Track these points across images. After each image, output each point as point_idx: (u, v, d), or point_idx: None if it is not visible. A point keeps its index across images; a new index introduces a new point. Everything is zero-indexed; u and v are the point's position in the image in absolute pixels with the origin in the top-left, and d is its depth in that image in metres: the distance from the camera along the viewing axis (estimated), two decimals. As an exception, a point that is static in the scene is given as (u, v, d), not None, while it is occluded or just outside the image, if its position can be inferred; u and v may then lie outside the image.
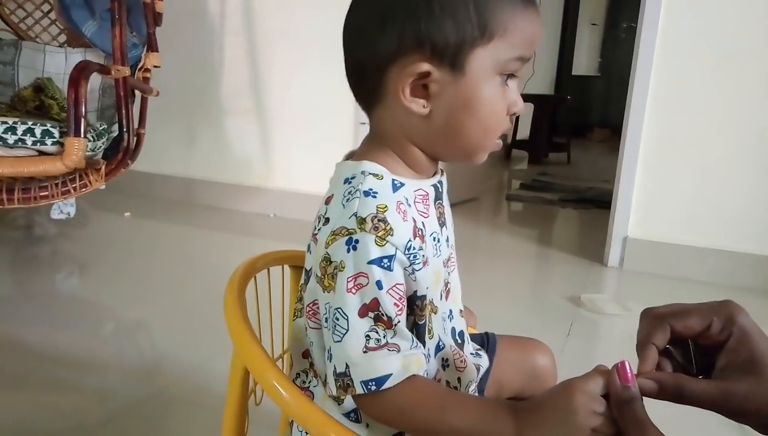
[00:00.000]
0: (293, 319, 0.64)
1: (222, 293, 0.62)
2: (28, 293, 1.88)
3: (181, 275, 2.02)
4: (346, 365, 0.51)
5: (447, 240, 0.62)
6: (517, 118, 4.85)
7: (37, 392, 1.28)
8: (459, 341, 0.65)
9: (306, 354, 0.62)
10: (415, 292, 0.55)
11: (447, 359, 0.62)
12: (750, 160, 2.04)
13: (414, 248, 0.53)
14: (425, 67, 0.52)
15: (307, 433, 0.61)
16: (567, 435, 0.46)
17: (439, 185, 0.62)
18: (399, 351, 0.51)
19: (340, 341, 0.51)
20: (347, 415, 0.57)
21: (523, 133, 4.97)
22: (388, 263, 0.51)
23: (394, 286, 0.52)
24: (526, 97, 4.86)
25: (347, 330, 0.51)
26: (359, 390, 0.51)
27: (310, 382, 0.61)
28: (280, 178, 2.77)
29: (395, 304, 0.52)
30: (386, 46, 0.53)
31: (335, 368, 0.52)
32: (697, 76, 2.06)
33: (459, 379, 0.63)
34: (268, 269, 0.71)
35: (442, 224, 0.61)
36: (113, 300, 1.82)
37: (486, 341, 0.75)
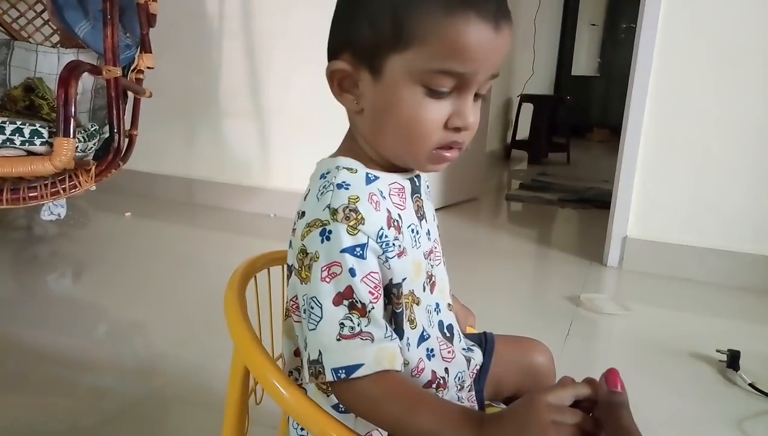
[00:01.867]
0: (284, 319, 0.65)
1: (222, 292, 0.63)
2: (29, 293, 1.88)
3: (182, 274, 2.03)
4: (319, 352, 0.52)
5: (428, 233, 0.63)
6: (517, 118, 4.86)
7: (36, 393, 1.29)
8: (448, 335, 0.66)
9: (297, 352, 0.63)
10: (391, 280, 0.56)
11: (432, 349, 0.62)
12: (749, 160, 2.04)
13: (387, 237, 0.54)
14: (340, 65, 0.56)
15: (303, 430, 0.62)
16: None
17: (416, 180, 0.63)
18: (373, 341, 0.52)
19: (315, 329, 0.52)
20: (335, 407, 0.58)
21: (523, 133, 4.97)
22: (361, 252, 0.52)
23: (369, 274, 0.53)
24: (526, 98, 4.89)
25: (321, 318, 0.52)
26: (329, 377, 0.51)
27: (302, 379, 0.62)
28: (279, 178, 2.78)
29: (370, 292, 0.53)
30: (329, 47, 0.58)
31: (309, 355, 0.53)
32: (696, 76, 2.06)
33: (447, 369, 0.63)
34: (268, 269, 0.72)
35: (421, 218, 0.62)
36: (113, 300, 1.82)
37: (484, 340, 0.75)
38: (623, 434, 0.45)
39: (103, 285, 1.93)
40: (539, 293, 2.14)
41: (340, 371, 0.51)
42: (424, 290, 0.61)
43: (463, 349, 0.69)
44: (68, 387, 1.31)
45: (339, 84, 0.57)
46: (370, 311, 0.52)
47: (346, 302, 0.52)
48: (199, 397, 1.26)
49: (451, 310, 0.68)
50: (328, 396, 0.58)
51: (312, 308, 0.53)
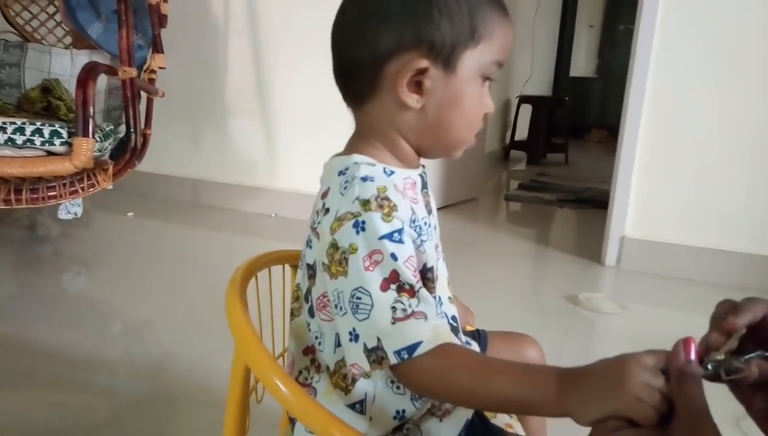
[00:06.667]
0: (291, 319, 0.65)
1: (224, 292, 0.63)
2: (32, 292, 1.89)
3: (184, 274, 2.04)
4: (378, 339, 0.52)
5: (435, 228, 0.65)
6: (516, 119, 4.87)
7: (41, 391, 1.30)
8: (454, 325, 0.67)
9: (307, 351, 0.63)
10: (425, 264, 0.57)
11: None
12: (747, 160, 2.05)
13: (417, 221, 0.56)
14: (424, 63, 0.56)
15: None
16: (612, 401, 0.44)
17: (424, 175, 0.65)
18: (426, 319, 0.52)
19: (368, 318, 0.52)
20: (352, 406, 0.59)
21: (522, 134, 4.97)
22: (399, 237, 0.53)
23: (408, 258, 0.54)
24: (525, 99, 4.89)
25: (372, 306, 0.52)
26: (393, 360, 0.51)
27: (312, 378, 0.62)
28: (282, 178, 2.78)
29: (413, 274, 0.54)
30: (385, 43, 0.56)
31: (365, 345, 0.53)
32: (693, 77, 2.07)
33: None
34: (269, 269, 0.72)
35: (430, 212, 0.64)
36: (116, 299, 1.83)
37: (478, 337, 0.77)
38: (694, 409, 0.42)
39: (105, 285, 1.94)
40: (538, 292, 2.15)
41: (403, 352, 0.51)
42: (436, 281, 0.62)
43: (466, 343, 0.70)
44: (73, 385, 1.32)
45: (408, 84, 0.57)
46: (418, 291, 0.53)
47: (393, 286, 0.52)
48: (201, 395, 1.27)
49: (452, 303, 0.69)
50: (346, 394, 0.58)
51: (359, 299, 0.52)
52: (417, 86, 0.57)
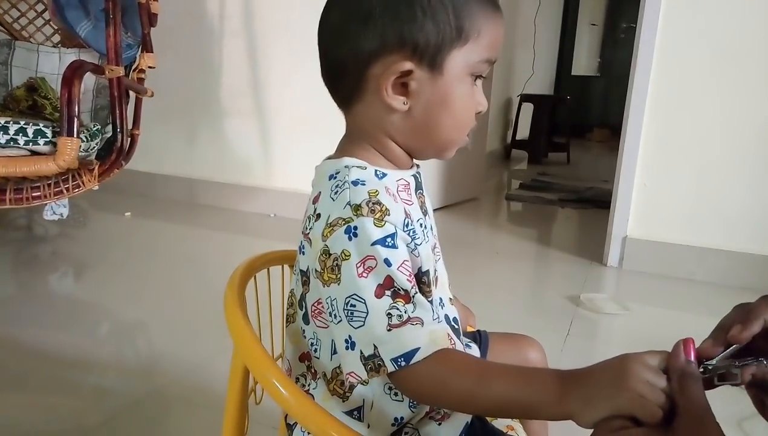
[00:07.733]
0: (286, 325, 0.64)
1: (222, 292, 0.62)
2: (29, 293, 1.88)
3: (182, 274, 2.03)
4: (374, 346, 0.51)
5: (431, 229, 0.64)
6: (517, 118, 4.86)
7: (37, 393, 1.29)
8: (456, 327, 0.66)
9: (303, 358, 0.62)
10: (420, 268, 0.56)
11: None
12: (749, 159, 2.04)
13: (411, 224, 0.55)
14: (408, 65, 0.55)
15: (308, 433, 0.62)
16: (615, 399, 0.44)
17: (417, 175, 0.63)
18: (423, 324, 0.51)
19: (363, 325, 0.51)
20: (350, 413, 0.58)
21: (523, 133, 4.97)
22: (392, 242, 0.52)
23: (402, 263, 0.53)
24: (526, 97, 4.89)
25: (367, 313, 0.51)
26: (390, 368, 0.50)
27: (309, 384, 0.61)
28: (280, 178, 2.78)
29: (407, 279, 0.52)
30: (368, 45, 0.55)
31: (362, 353, 0.52)
32: (696, 76, 2.06)
33: None
34: (268, 269, 0.72)
35: (425, 213, 0.63)
36: (113, 300, 1.82)
37: (479, 338, 0.76)
38: (696, 409, 0.42)
39: (103, 285, 1.93)
40: (539, 292, 2.14)
41: (400, 360, 0.50)
42: (432, 285, 0.62)
43: (466, 345, 0.70)
44: (69, 387, 1.31)
45: (393, 86, 0.56)
46: (413, 296, 0.52)
47: (388, 292, 0.51)
48: (200, 397, 1.26)
49: (452, 304, 0.68)
50: (344, 401, 0.57)
51: (353, 306, 0.52)
52: (403, 88, 0.56)
